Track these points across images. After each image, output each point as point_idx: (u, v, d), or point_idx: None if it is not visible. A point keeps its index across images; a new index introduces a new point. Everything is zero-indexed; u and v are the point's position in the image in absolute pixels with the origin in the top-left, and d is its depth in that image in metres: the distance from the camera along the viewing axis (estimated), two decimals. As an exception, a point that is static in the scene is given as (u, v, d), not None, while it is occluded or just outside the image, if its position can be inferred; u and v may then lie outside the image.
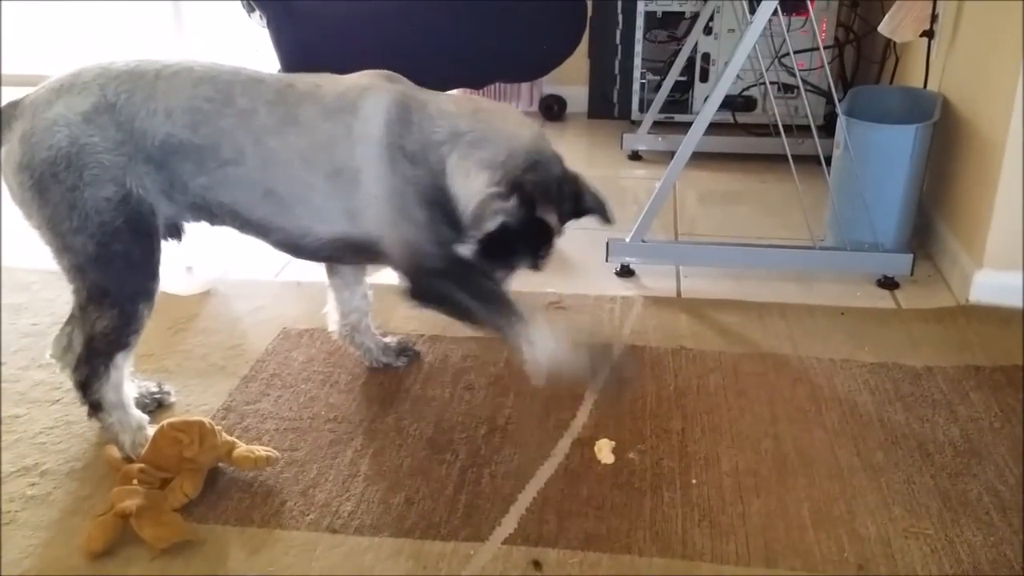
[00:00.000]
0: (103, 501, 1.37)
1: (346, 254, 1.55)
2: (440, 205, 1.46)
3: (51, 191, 1.37)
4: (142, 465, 1.39)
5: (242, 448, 1.45)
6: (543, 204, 1.46)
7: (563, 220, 1.53)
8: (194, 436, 1.40)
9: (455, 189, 1.46)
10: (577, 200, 1.54)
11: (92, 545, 1.29)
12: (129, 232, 1.40)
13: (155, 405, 1.65)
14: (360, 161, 1.43)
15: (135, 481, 1.37)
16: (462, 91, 3.37)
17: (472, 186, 1.46)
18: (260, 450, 1.46)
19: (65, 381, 1.67)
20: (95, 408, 1.48)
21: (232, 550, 1.31)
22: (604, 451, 1.51)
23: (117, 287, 1.42)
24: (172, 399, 1.67)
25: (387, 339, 1.81)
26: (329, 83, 1.49)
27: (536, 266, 1.55)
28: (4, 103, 1.42)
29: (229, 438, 1.45)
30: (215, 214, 1.49)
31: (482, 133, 1.47)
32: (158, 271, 1.45)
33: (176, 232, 1.52)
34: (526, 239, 1.49)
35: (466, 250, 1.48)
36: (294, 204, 1.46)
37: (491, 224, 1.46)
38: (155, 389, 1.67)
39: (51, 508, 1.39)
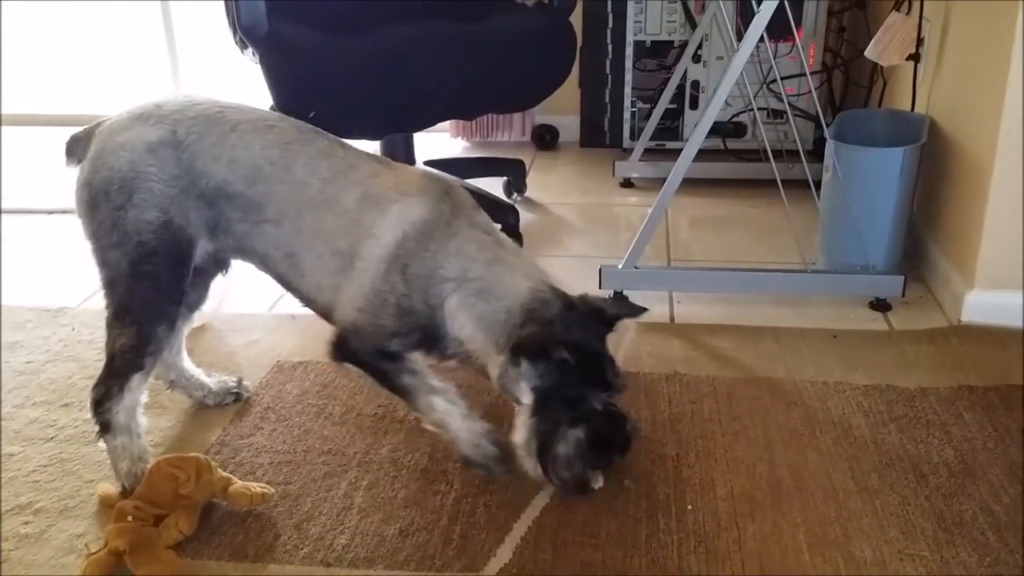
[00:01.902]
0: (97, 539, 1.37)
1: (325, 318, 1.58)
2: (416, 328, 1.49)
3: (101, 208, 1.47)
4: (137, 502, 1.38)
5: (237, 484, 1.45)
6: (553, 348, 1.41)
7: (597, 336, 1.49)
8: (190, 472, 1.40)
9: (453, 331, 1.48)
10: (599, 313, 1.50)
11: (86, 583, 1.29)
12: (163, 256, 1.48)
13: (232, 399, 1.77)
14: (364, 252, 1.48)
15: (129, 518, 1.36)
16: (453, 124, 3.41)
17: (477, 343, 1.48)
18: (255, 486, 1.45)
19: (59, 419, 1.67)
20: (104, 429, 1.50)
21: (226, 586, 1.30)
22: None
23: (140, 306, 1.48)
24: (248, 394, 1.78)
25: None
26: (387, 175, 1.54)
27: (613, 391, 1.48)
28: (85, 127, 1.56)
29: (224, 474, 1.45)
30: (252, 260, 1.58)
31: (488, 285, 1.47)
32: (182, 299, 1.54)
33: (223, 265, 1.62)
34: (573, 383, 1.43)
35: (529, 441, 1.44)
36: (306, 272, 1.54)
37: (525, 399, 1.44)
38: (233, 384, 1.78)
39: (45, 546, 1.39)
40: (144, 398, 1.54)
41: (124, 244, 1.46)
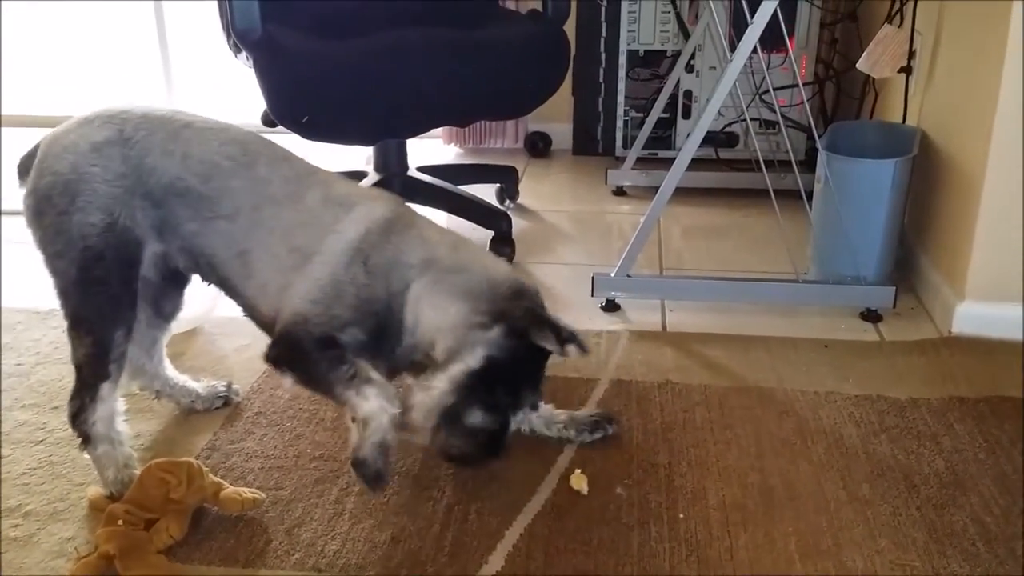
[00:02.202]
0: (87, 542, 1.36)
1: (266, 328, 1.53)
2: (371, 316, 1.45)
3: (46, 214, 1.44)
4: (127, 506, 1.38)
5: (229, 490, 1.44)
6: (537, 330, 1.41)
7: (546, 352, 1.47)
8: (182, 477, 1.39)
9: (412, 316, 1.46)
10: (557, 331, 1.46)
11: (75, 588, 1.28)
12: (111, 260, 1.44)
13: (222, 403, 1.76)
14: (323, 248, 1.46)
15: (120, 522, 1.35)
16: (446, 130, 3.41)
17: (444, 317, 1.44)
18: (247, 492, 1.45)
19: (49, 422, 1.66)
20: (85, 440, 1.49)
21: (217, 591, 1.30)
22: (580, 482, 1.51)
23: (94, 314, 1.46)
24: (238, 398, 1.78)
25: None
26: (347, 182, 1.58)
27: (533, 405, 1.52)
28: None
29: (215, 479, 1.45)
30: (198, 263, 1.52)
31: (460, 263, 1.48)
32: (135, 302, 1.49)
33: (176, 278, 1.58)
34: (518, 372, 1.44)
35: (442, 386, 1.41)
36: (255, 271, 1.49)
37: (472, 360, 1.42)
38: (222, 388, 1.77)
39: (35, 550, 1.38)
40: (123, 405, 1.53)
41: (70, 250, 1.43)
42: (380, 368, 1.44)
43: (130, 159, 1.45)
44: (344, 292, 1.45)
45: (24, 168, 1.53)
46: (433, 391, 1.42)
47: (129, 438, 1.54)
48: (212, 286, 1.57)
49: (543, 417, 1.65)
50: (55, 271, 1.47)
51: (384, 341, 1.48)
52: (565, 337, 1.43)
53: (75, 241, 1.43)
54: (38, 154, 1.49)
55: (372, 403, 1.38)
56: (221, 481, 1.45)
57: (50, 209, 1.44)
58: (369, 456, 1.37)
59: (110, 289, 1.45)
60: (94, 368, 1.46)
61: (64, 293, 1.47)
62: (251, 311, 1.55)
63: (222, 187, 1.48)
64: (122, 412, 1.53)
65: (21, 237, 2.67)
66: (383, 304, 1.46)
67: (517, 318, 1.42)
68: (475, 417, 1.43)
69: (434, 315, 1.45)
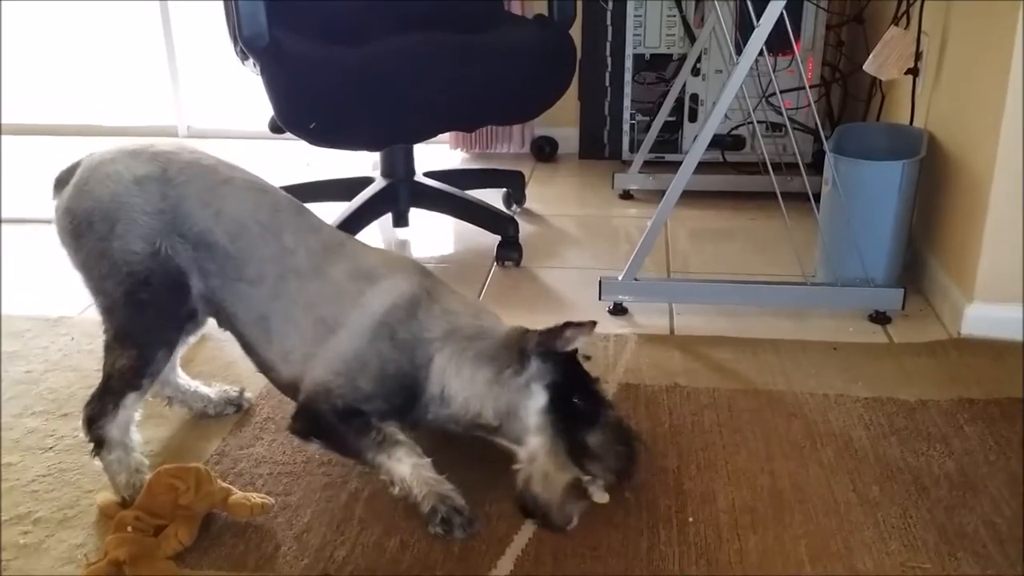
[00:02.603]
0: (97, 549, 1.36)
1: (286, 393, 1.59)
2: (398, 389, 1.49)
3: (85, 237, 1.48)
4: (137, 512, 1.38)
5: (237, 495, 1.44)
6: (560, 340, 1.44)
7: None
8: (190, 483, 1.40)
9: (438, 388, 1.49)
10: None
11: (85, 594, 1.28)
12: (157, 285, 1.48)
13: (234, 409, 1.76)
14: (348, 321, 1.50)
15: (129, 528, 1.36)
16: (452, 135, 3.41)
17: (473, 384, 1.48)
18: (255, 497, 1.45)
19: (59, 429, 1.67)
20: (98, 445, 1.49)
21: (226, 596, 1.30)
22: (596, 492, 1.50)
23: (141, 330, 1.49)
24: (249, 404, 1.78)
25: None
26: (372, 253, 1.61)
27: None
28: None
29: (224, 484, 1.45)
30: (218, 314, 1.57)
31: (480, 329, 1.52)
32: (182, 326, 1.54)
33: (194, 317, 1.56)
34: (581, 381, 1.48)
35: (538, 442, 1.43)
36: (275, 339, 1.53)
37: (539, 399, 1.44)
38: (235, 394, 1.78)
39: (44, 557, 1.38)
40: (139, 414, 1.54)
41: (115, 274, 1.47)
42: (407, 431, 1.49)
43: (169, 198, 1.48)
44: (369, 365, 1.48)
45: (61, 182, 1.55)
46: (536, 455, 1.42)
47: (140, 445, 1.54)
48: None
49: None
50: (100, 291, 1.50)
51: (411, 412, 1.52)
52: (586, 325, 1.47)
53: (119, 266, 1.46)
54: (78, 173, 1.52)
55: (406, 463, 1.43)
56: (230, 487, 1.45)
57: (90, 233, 1.47)
58: (439, 511, 1.40)
59: (159, 311, 1.49)
60: (128, 379, 1.48)
61: (109, 311, 1.50)
62: (267, 371, 1.59)
63: (248, 251, 1.51)
64: (140, 416, 1.54)
65: (30, 246, 2.69)
66: (410, 378, 1.50)
67: (538, 343, 1.45)
68: (593, 436, 1.43)
69: (462, 385, 1.49)
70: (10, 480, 1.56)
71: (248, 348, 1.59)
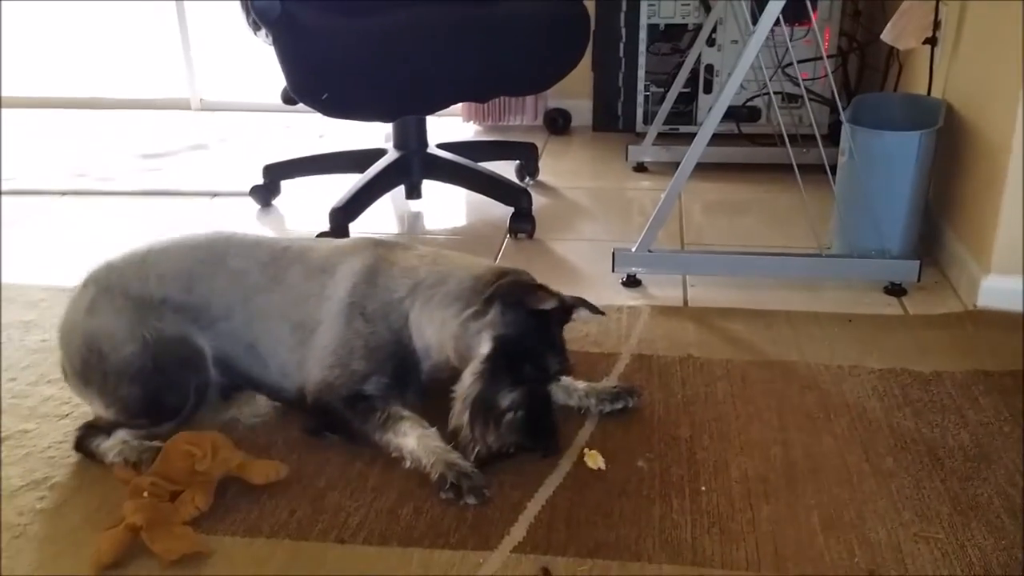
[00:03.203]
0: (113, 514, 1.37)
1: (298, 404, 1.61)
2: (388, 357, 1.54)
3: (91, 374, 1.55)
4: (153, 478, 1.39)
5: (253, 462, 1.46)
6: (531, 296, 1.45)
7: (558, 318, 1.52)
8: (207, 450, 1.41)
9: (421, 342, 1.54)
10: (559, 298, 1.53)
11: (102, 558, 1.29)
12: (163, 364, 1.53)
13: None
14: (323, 316, 1.57)
15: (146, 494, 1.37)
16: (465, 107, 3.40)
17: (444, 328, 1.51)
18: (271, 464, 1.46)
19: (75, 396, 1.67)
20: (90, 457, 1.53)
21: (241, 561, 1.31)
22: (595, 460, 1.51)
23: (150, 408, 1.54)
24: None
25: None
26: (320, 246, 1.66)
27: (561, 371, 1.53)
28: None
29: (240, 451, 1.46)
30: (223, 370, 1.61)
31: (441, 274, 1.56)
32: (188, 395, 1.56)
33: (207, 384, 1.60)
34: (532, 342, 1.47)
35: (467, 380, 1.46)
36: (268, 359, 1.60)
37: (484, 347, 1.47)
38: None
39: (61, 521, 1.40)
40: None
41: (123, 381, 1.53)
42: (413, 401, 1.55)
43: (118, 299, 1.56)
44: (354, 346, 1.55)
45: None
46: (460, 389, 1.46)
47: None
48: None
49: (563, 387, 1.66)
50: (118, 398, 1.54)
51: (408, 375, 1.56)
52: (569, 303, 1.52)
53: (123, 374, 1.53)
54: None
55: (411, 437, 1.47)
56: (245, 454, 1.46)
57: (91, 371, 1.56)
58: (448, 477, 1.41)
59: (165, 388, 1.55)
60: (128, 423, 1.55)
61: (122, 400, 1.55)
62: (278, 395, 1.64)
63: (207, 291, 1.58)
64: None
65: (44, 217, 2.70)
66: (394, 343, 1.55)
67: (506, 293, 1.46)
68: (508, 399, 1.45)
69: (435, 331, 1.53)
70: (27, 446, 1.58)
71: (253, 380, 1.64)
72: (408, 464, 1.46)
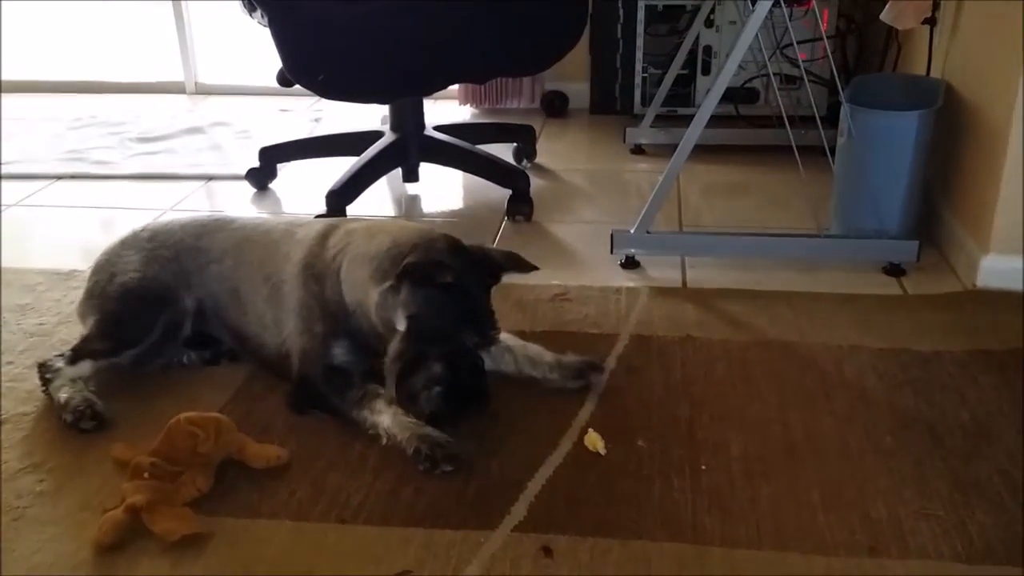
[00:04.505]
0: (113, 496, 1.37)
1: (283, 370, 1.66)
2: (337, 318, 1.59)
3: (94, 291, 1.75)
4: (154, 459, 1.39)
5: (254, 445, 1.46)
6: (437, 271, 1.46)
7: (481, 283, 1.53)
8: (210, 432, 1.41)
9: (351, 297, 1.57)
10: (488, 261, 1.55)
11: (102, 539, 1.29)
12: (145, 295, 1.70)
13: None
14: (285, 276, 1.66)
15: (146, 475, 1.36)
16: (462, 90, 3.38)
17: (362, 288, 1.55)
18: (272, 448, 1.47)
19: (73, 379, 1.67)
20: (47, 382, 1.63)
21: (242, 542, 1.30)
22: (595, 442, 1.50)
23: (119, 328, 1.69)
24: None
25: None
26: (310, 223, 1.76)
27: (485, 340, 1.52)
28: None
29: (241, 434, 1.46)
30: (211, 321, 1.74)
31: (371, 235, 1.59)
32: (152, 335, 1.69)
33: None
34: (449, 319, 1.48)
35: (391, 364, 1.48)
36: (247, 305, 1.71)
37: (400, 324, 1.48)
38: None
39: (60, 503, 1.39)
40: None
41: (111, 297, 1.72)
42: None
43: (143, 246, 1.78)
44: (312, 308, 1.61)
45: None
46: (386, 365, 1.50)
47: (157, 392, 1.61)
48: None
49: (530, 357, 1.67)
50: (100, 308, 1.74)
51: (363, 339, 1.58)
52: (498, 263, 1.56)
53: (119, 292, 1.73)
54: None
55: (386, 414, 1.49)
56: (246, 436, 1.46)
57: (99, 294, 1.77)
58: (422, 449, 1.44)
59: (136, 321, 1.71)
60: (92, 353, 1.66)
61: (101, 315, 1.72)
62: (259, 352, 1.71)
63: (209, 239, 1.76)
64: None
65: (41, 200, 2.69)
66: (335, 304, 1.58)
67: (413, 271, 1.46)
68: (423, 377, 1.46)
69: (356, 293, 1.56)
70: (24, 429, 1.57)
71: (238, 334, 1.73)
72: (385, 441, 1.48)
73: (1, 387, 1.70)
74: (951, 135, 2.21)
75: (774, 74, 2.84)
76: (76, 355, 1.64)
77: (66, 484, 1.44)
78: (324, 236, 1.65)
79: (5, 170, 2.89)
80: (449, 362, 1.46)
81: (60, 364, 1.63)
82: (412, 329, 1.47)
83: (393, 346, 1.49)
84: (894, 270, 2.11)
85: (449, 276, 1.45)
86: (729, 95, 2.73)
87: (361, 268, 1.55)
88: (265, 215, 1.81)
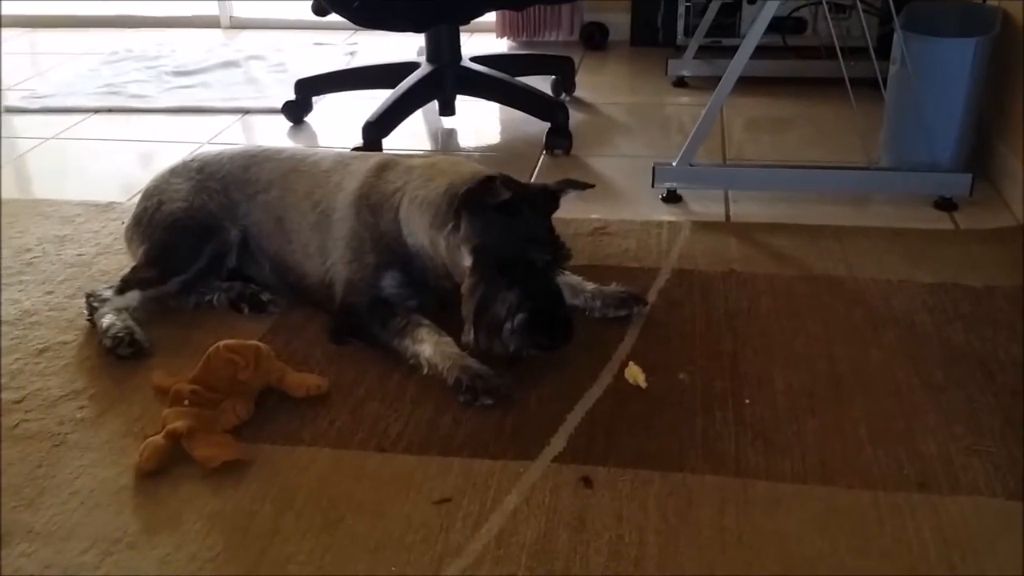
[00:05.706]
0: (153, 422, 1.38)
1: (325, 300, 1.66)
2: (391, 250, 1.57)
3: (142, 219, 1.76)
4: (194, 386, 1.39)
5: (294, 374, 1.45)
6: (489, 193, 1.41)
7: (539, 208, 1.48)
8: (249, 359, 1.40)
9: (412, 239, 1.55)
10: (543, 189, 1.51)
11: (143, 465, 1.30)
12: (193, 224, 1.70)
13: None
14: (336, 205, 1.64)
15: (186, 402, 1.37)
16: (499, 22, 3.31)
17: (426, 235, 1.53)
18: (311, 377, 1.46)
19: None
20: (93, 310, 1.64)
21: (282, 469, 1.30)
22: (636, 375, 1.48)
23: (168, 256, 1.70)
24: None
25: None
26: (358, 156, 1.77)
27: (557, 258, 1.46)
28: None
29: (280, 363, 1.45)
30: (254, 252, 1.75)
31: (428, 177, 1.56)
32: (198, 263, 1.69)
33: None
34: (513, 242, 1.43)
35: (467, 303, 1.45)
36: (292, 234, 1.69)
37: (467, 262, 1.45)
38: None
39: (101, 430, 1.40)
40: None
41: (158, 223, 1.73)
42: (431, 308, 1.57)
43: (193, 176, 1.77)
44: (364, 239, 1.59)
45: None
46: (463, 308, 1.46)
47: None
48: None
49: (571, 285, 1.64)
50: (147, 236, 1.75)
51: (415, 273, 1.57)
52: (553, 188, 1.51)
53: (164, 218, 1.75)
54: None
55: (428, 343, 1.48)
56: (285, 365, 1.46)
57: (146, 216, 1.78)
58: (463, 380, 1.42)
59: (185, 250, 1.72)
60: (140, 281, 1.68)
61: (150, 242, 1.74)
62: (301, 282, 1.70)
63: (256, 170, 1.75)
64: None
65: (79, 133, 2.69)
66: (392, 237, 1.56)
67: (466, 200, 1.44)
68: (504, 306, 1.42)
69: (420, 237, 1.54)
70: (66, 357, 1.58)
71: (281, 263, 1.72)
72: (425, 371, 1.47)
73: (42, 316, 1.70)
74: (1006, 66, 2.12)
75: (823, 2, 2.75)
76: (125, 285, 1.65)
77: (107, 411, 1.45)
78: (382, 168, 1.63)
79: (42, 104, 2.88)
80: (525, 288, 1.42)
81: (108, 294, 1.65)
82: (479, 260, 1.44)
83: (465, 285, 1.46)
84: (946, 204, 2.04)
85: (505, 193, 1.41)
86: (775, 25, 2.64)
87: (422, 214, 1.53)
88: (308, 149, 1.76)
